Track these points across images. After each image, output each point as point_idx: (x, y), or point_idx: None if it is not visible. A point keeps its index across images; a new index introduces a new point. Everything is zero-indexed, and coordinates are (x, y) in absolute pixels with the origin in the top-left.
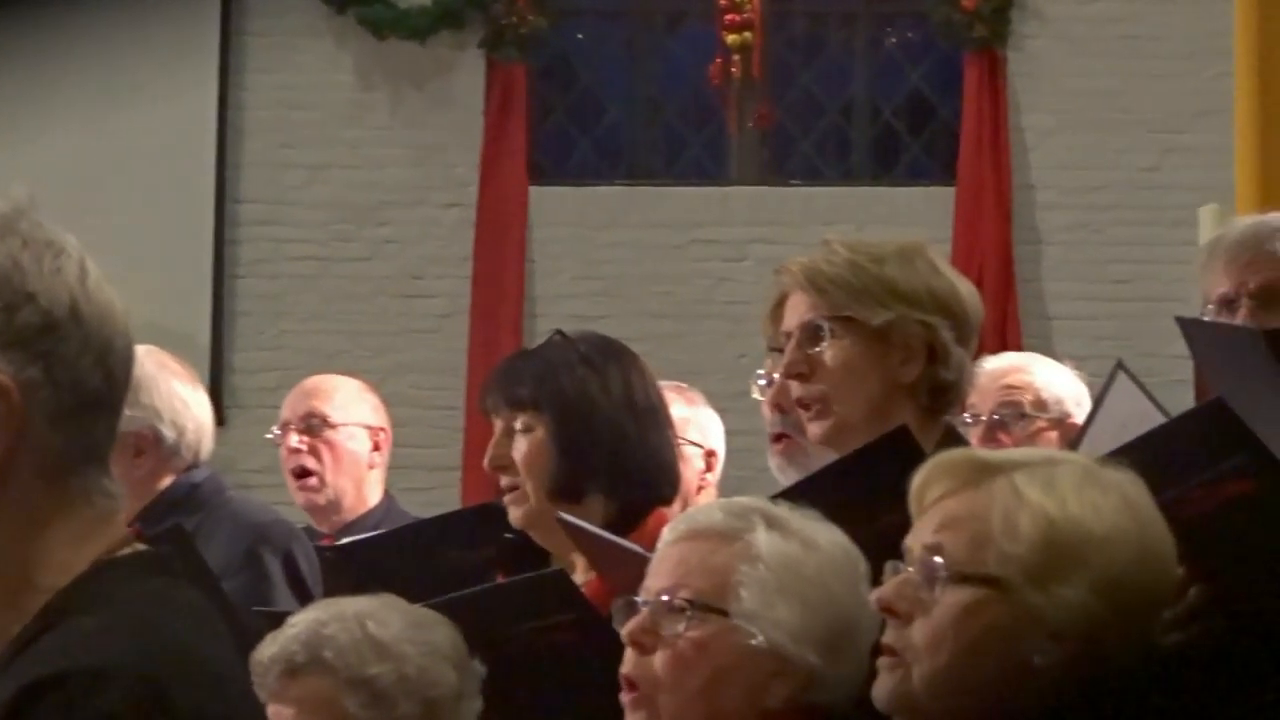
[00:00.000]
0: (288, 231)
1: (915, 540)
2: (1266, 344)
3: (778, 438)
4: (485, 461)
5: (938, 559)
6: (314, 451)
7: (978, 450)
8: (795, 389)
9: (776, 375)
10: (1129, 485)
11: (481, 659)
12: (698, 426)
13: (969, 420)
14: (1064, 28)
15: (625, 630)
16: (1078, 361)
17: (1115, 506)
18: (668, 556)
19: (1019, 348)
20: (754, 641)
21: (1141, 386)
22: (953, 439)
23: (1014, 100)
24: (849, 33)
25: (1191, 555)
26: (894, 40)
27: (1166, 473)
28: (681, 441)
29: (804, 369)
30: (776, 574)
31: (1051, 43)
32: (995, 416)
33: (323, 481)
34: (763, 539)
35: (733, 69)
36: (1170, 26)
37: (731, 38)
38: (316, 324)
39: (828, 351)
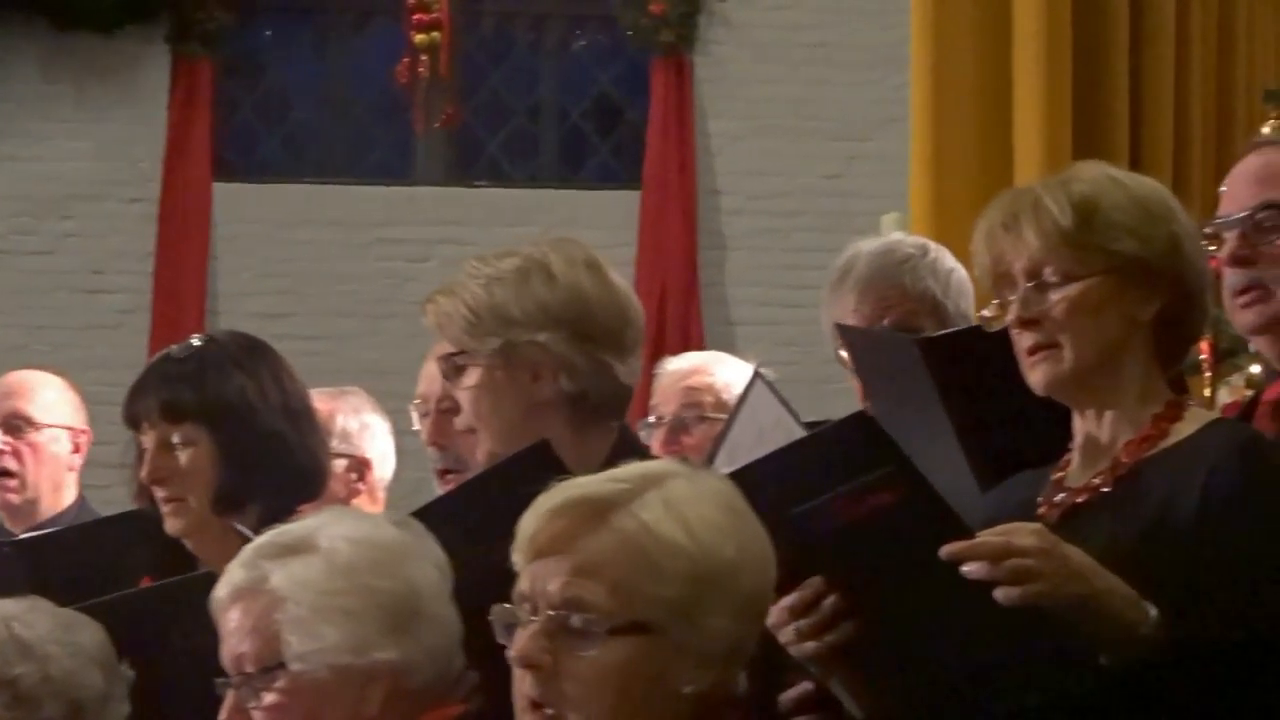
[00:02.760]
0: None
1: (540, 589)
2: (920, 351)
3: (443, 473)
4: (143, 475)
5: (580, 613)
6: (15, 453)
7: (581, 485)
8: (457, 421)
9: (432, 407)
10: (729, 492)
11: (131, 662)
12: (350, 435)
13: (653, 422)
14: (751, 34)
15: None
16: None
17: (731, 522)
18: (225, 625)
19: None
20: (321, 676)
21: (778, 395)
22: (625, 444)
23: (700, 105)
24: (538, 34)
25: (830, 565)
26: (583, 43)
27: (808, 484)
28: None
29: (450, 404)
30: (307, 604)
31: (738, 49)
32: (678, 419)
33: (23, 483)
34: (278, 578)
35: (420, 69)
36: (855, 35)
37: (420, 37)
38: None
39: (464, 385)
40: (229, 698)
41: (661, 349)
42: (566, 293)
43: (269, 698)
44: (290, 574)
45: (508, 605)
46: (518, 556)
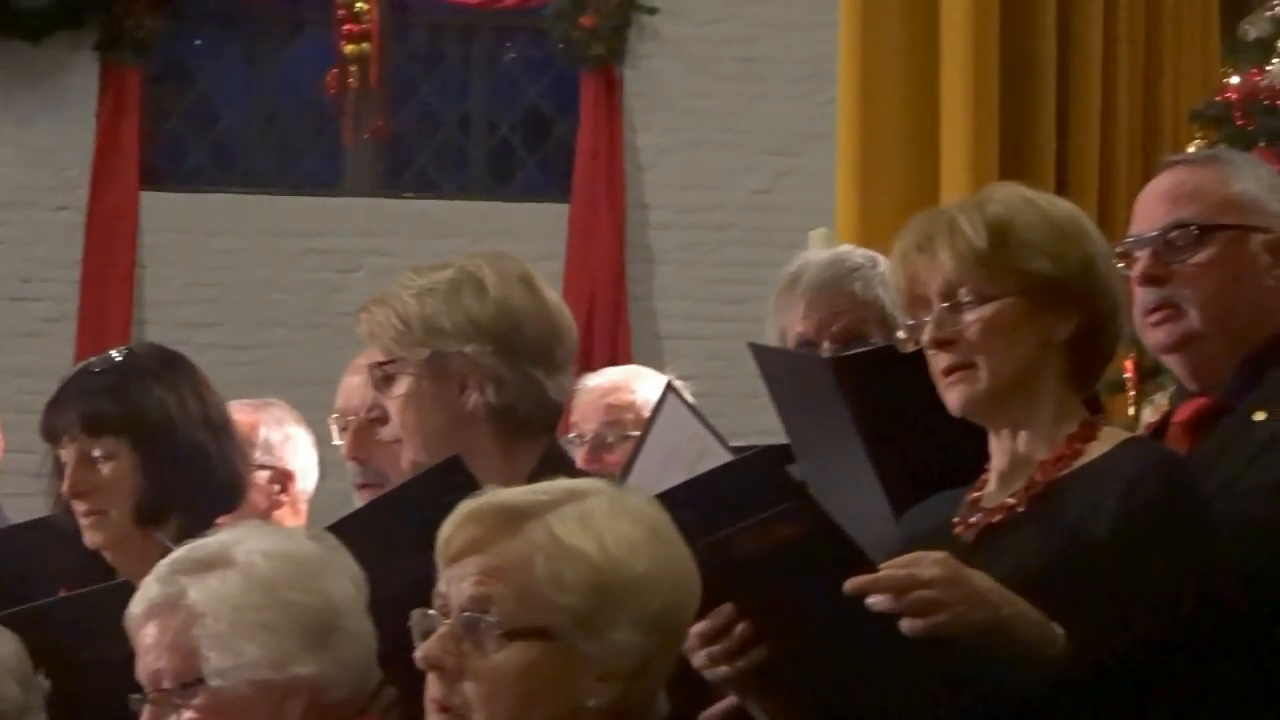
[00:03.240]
0: None
1: (453, 591)
2: (833, 372)
3: (362, 487)
4: (65, 488)
5: (484, 614)
6: None
7: (502, 494)
8: (382, 431)
9: (351, 421)
10: (654, 513)
11: (48, 673)
12: (273, 446)
13: (575, 440)
14: (681, 48)
15: None
16: (687, 379)
17: (648, 540)
18: (140, 640)
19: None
20: (241, 692)
21: (691, 408)
22: (553, 458)
23: (630, 119)
24: (468, 46)
25: (740, 592)
26: (513, 55)
27: (718, 514)
28: (250, 466)
29: (380, 413)
30: (226, 619)
31: (668, 62)
32: (600, 437)
33: None
34: (195, 594)
35: (350, 79)
36: (785, 50)
37: (350, 48)
38: None
39: (393, 394)
40: (145, 713)
41: (589, 362)
42: (496, 306)
43: (187, 714)
44: (208, 589)
45: (428, 611)
46: (439, 561)
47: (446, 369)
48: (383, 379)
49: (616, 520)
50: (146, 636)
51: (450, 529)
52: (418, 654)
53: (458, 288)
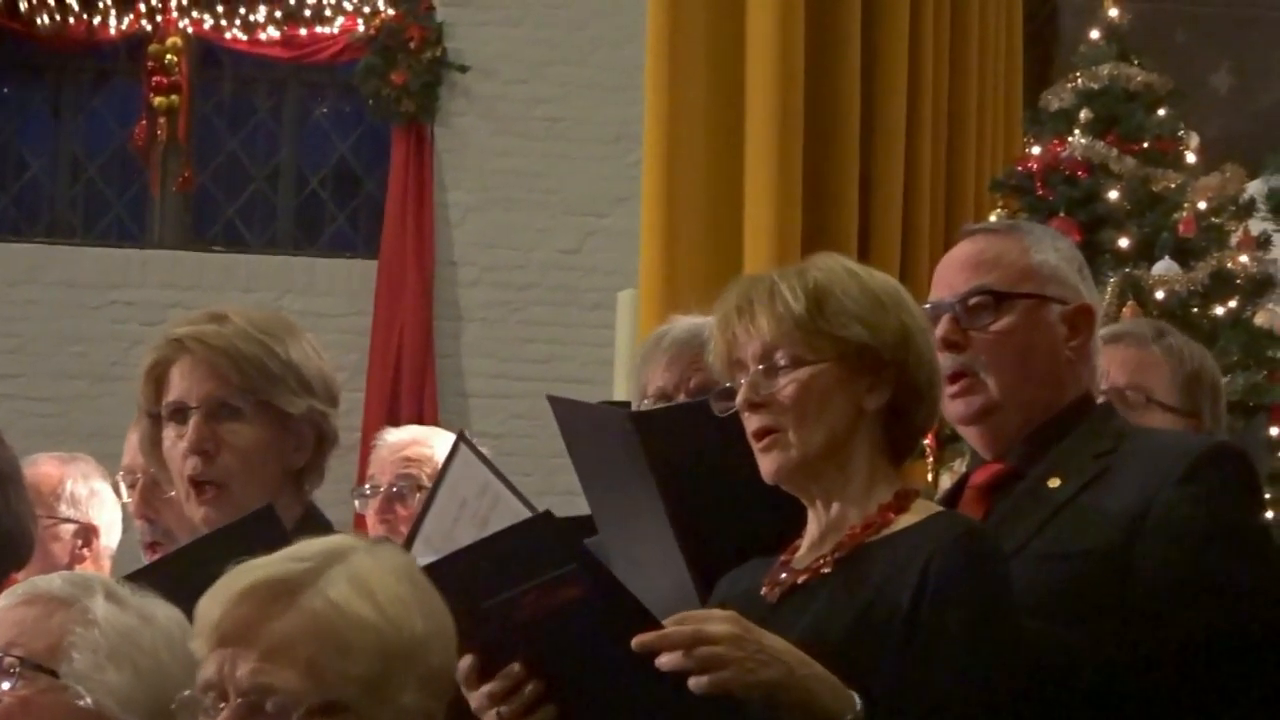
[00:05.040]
0: None
1: (234, 674)
2: (634, 427)
3: (151, 545)
4: None
5: (270, 698)
6: None
7: (263, 568)
8: (192, 465)
9: (139, 478)
10: (409, 564)
11: None
12: (79, 501)
13: (368, 491)
14: (491, 106)
15: None
16: (492, 437)
17: (415, 596)
18: (4, 620)
19: (435, 423)
20: (81, 703)
21: (483, 457)
22: (314, 514)
23: (439, 176)
24: (277, 100)
25: (528, 652)
26: (324, 110)
27: (499, 578)
28: (55, 519)
29: (210, 447)
30: (110, 640)
31: (478, 121)
32: (393, 488)
33: None
34: (100, 606)
35: (158, 131)
36: (594, 112)
37: (158, 100)
38: None
39: (237, 433)
40: None
41: (396, 419)
42: (328, 366)
43: (21, 692)
44: (111, 609)
45: (191, 694)
46: (199, 643)
47: (301, 423)
48: (231, 414)
49: (383, 577)
50: (21, 614)
51: (217, 610)
52: None
53: (298, 339)
